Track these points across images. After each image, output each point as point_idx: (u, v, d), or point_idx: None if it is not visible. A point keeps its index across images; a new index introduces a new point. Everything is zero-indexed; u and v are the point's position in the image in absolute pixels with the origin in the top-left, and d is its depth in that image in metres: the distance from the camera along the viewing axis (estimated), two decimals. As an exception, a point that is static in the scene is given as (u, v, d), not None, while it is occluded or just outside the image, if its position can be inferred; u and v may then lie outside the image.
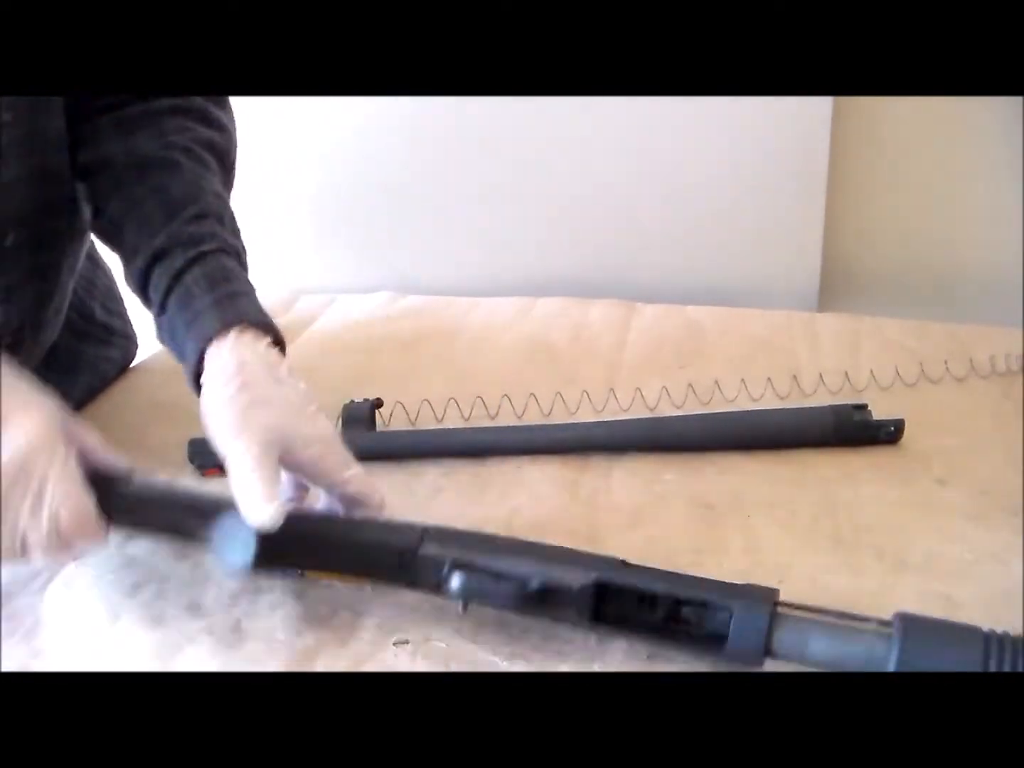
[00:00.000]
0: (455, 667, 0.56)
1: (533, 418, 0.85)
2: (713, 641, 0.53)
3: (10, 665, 0.56)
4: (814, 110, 1.10)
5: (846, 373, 0.87)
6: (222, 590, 0.63)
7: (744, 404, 0.84)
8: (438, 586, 0.56)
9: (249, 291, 0.67)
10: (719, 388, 0.85)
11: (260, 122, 1.13)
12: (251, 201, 0.96)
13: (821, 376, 0.86)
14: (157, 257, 0.67)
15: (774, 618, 0.51)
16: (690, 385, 0.86)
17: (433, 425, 0.83)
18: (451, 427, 0.82)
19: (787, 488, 0.74)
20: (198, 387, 0.63)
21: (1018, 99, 1.06)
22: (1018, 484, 0.72)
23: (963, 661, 0.47)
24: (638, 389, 0.86)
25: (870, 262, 1.20)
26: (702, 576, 0.55)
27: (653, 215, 1.18)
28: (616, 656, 0.56)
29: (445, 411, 0.84)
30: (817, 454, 0.78)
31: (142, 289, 0.68)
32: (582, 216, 1.19)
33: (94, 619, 0.60)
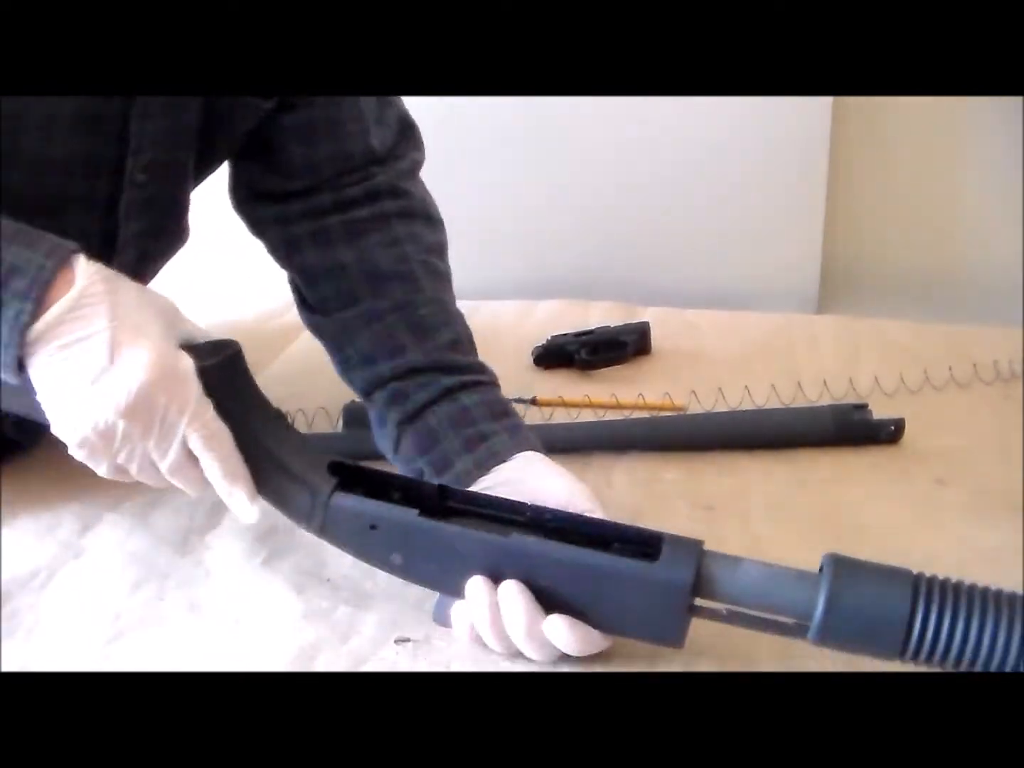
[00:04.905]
0: (456, 667, 0.56)
1: (534, 418, 0.85)
2: (641, 565, 0.52)
3: (10, 665, 0.56)
4: (814, 110, 1.10)
5: (850, 380, 0.87)
6: (222, 588, 0.63)
7: (745, 407, 0.84)
8: None
9: (525, 425, 0.69)
10: (722, 395, 0.85)
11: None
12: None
13: (825, 383, 0.86)
14: (412, 372, 0.69)
15: (704, 552, 0.52)
16: (693, 392, 0.86)
17: (433, 425, 0.83)
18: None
19: (787, 488, 0.74)
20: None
21: (1018, 99, 1.06)
22: (1018, 484, 0.72)
23: (892, 599, 0.49)
24: (639, 392, 0.86)
25: (870, 262, 1.20)
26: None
27: (653, 217, 1.18)
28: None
29: (445, 411, 0.84)
30: (817, 454, 0.78)
31: (366, 394, 0.71)
32: (582, 218, 1.19)
33: (94, 619, 0.60)
